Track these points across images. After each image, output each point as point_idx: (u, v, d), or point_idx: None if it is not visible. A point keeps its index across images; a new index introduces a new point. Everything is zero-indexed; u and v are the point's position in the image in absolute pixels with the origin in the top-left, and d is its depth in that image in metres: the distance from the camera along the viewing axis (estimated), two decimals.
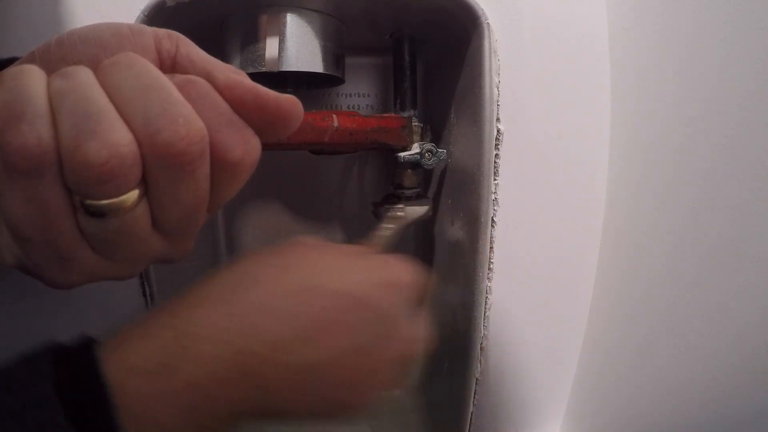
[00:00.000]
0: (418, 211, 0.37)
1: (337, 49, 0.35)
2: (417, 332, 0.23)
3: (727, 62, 0.25)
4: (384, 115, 0.37)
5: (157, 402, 0.17)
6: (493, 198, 0.34)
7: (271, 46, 0.32)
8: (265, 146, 0.18)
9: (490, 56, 0.32)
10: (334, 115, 0.33)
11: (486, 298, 0.35)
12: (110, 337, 0.17)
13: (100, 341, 0.17)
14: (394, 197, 0.39)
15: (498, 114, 0.33)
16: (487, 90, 0.32)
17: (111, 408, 0.15)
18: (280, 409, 0.19)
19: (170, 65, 0.17)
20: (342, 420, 0.21)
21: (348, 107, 0.45)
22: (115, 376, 0.16)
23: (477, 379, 0.37)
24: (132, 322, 0.18)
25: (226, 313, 0.18)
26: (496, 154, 0.34)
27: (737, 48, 0.24)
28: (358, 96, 0.44)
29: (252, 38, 0.33)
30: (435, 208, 0.43)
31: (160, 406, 0.17)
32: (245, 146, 0.17)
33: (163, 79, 0.15)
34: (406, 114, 0.38)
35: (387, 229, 0.36)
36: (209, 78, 0.17)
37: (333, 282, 0.20)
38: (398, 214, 0.37)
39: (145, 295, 0.33)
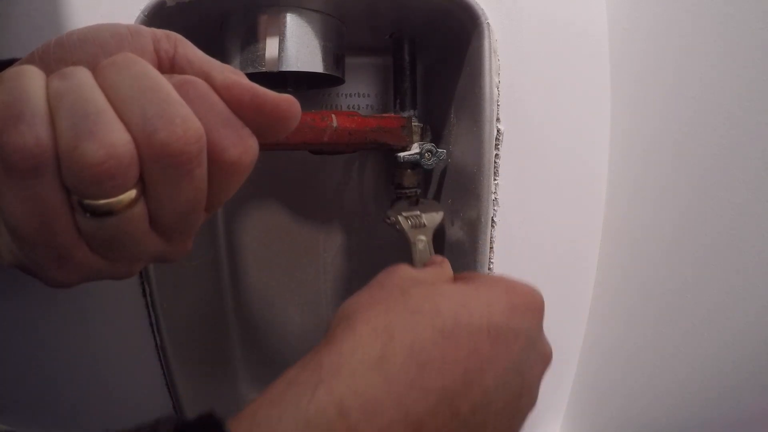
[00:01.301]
0: (436, 218, 0.37)
1: (337, 49, 0.35)
2: (550, 349, 0.23)
3: (727, 62, 0.25)
4: (384, 115, 0.37)
5: None
6: (493, 198, 0.34)
7: (271, 46, 0.32)
8: (264, 146, 0.18)
9: (490, 56, 0.32)
10: (333, 115, 0.33)
11: None
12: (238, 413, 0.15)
13: (227, 419, 0.15)
14: (401, 200, 0.39)
15: (498, 114, 0.33)
16: (487, 90, 0.32)
17: None
18: None
19: (168, 66, 0.17)
20: None
21: (348, 107, 0.45)
22: None
23: None
24: (262, 393, 0.16)
25: (383, 378, 0.16)
26: (496, 154, 0.34)
27: (736, 48, 0.24)
28: (358, 96, 0.44)
29: (252, 38, 0.33)
30: None
31: None
32: (243, 146, 0.17)
33: (161, 80, 0.15)
34: (406, 114, 0.38)
35: (422, 241, 0.35)
36: (207, 78, 0.17)
37: (476, 318, 0.19)
38: (423, 222, 0.36)
39: (144, 295, 0.33)
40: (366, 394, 0.16)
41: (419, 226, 0.36)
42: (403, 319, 0.18)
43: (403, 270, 0.23)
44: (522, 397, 0.20)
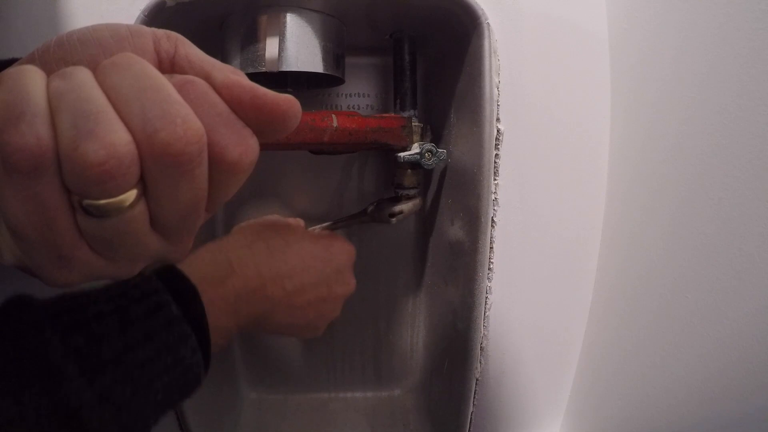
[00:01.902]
0: (409, 206, 0.40)
1: (337, 49, 0.35)
2: (353, 283, 0.36)
3: (726, 61, 0.25)
4: (384, 115, 0.37)
5: (214, 302, 0.26)
6: (493, 198, 0.34)
7: (271, 46, 0.32)
8: (265, 146, 0.18)
9: (490, 56, 0.32)
10: (333, 115, 0.33)
11: (486, 298, 0.35)
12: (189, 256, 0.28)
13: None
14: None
15: (498, 114, 0.33)
16: (487, 90, 0.32)
17: (200, 302, 0.25)
18: (276, 322, 0.31)
19: (169, 66, 0.17)
20: (309, 335, 0.35)
21: (348, 107, 0.45)
22: (194, 281, 0.25)
23: (477, 379, 0.37)
24: (198, 248, 0.30)
25: (256, 253, 0.31)
26: (496, 154, 0.34)
27: (734, 47, 0.24)
28: (358, 96, 0.44)
29: (252, 38, 0.33)
30: (435, 208, 0.44)
31: (216, 306, 0.26)
32: (243, 146, 0.17)
33: (162, 80, 0.15)
34: (406, 114, 0.38)
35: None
36: (208, 78, 0.17)
37: (309, 243, 0.34)
38: (397, 208, 0.40)
39: None
40: (241, 258, 0.30)
41: (395, 214, 0.39)
42: (268, 231, 0.34)
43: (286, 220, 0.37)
44: (326, 303, 0.34)
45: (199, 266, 0.28)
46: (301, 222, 0.38)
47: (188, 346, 0.23)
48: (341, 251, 0.35)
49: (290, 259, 0.32)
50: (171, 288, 0.24)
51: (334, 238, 0.36)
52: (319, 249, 0.34)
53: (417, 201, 0.40)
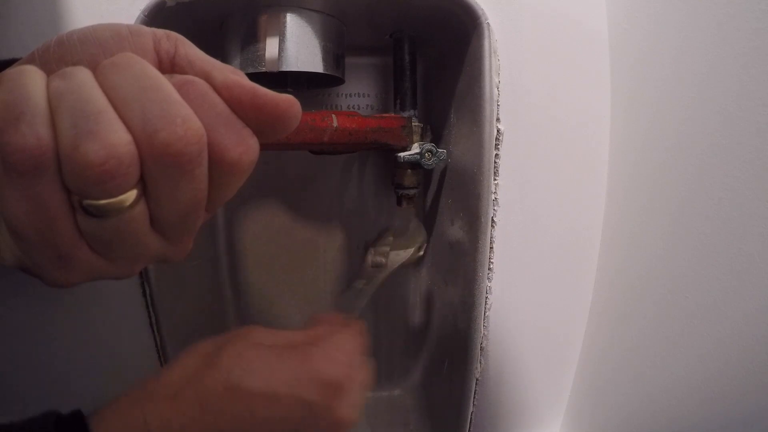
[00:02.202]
0: (401, 257, 0.36)
1: (337, 49, 0.35)
2: (348, 413, 0.25)
3: (726, 60, 0.25)
4: (384, 115, 0.37)
5: None
6: (493, 198, 0.34)
7: (271, 46, 0.32)
8: (265, 146, 0.18)
9: (490, 56, 0.32)
10: (333, 115, 0.33)
11: (486, 298, 0.35)
12: (99, 410, 0.21)
13: (91, 414, 0.20)
14: (406, 209, 0.38)
15: (498, 114, 0.33)
16: (487, 90, 0.32)
17: None
18: None
19: (169, 66, 0.17)
20: None
21: (348, 107, 0.45)
22: None
23: (477, 379, 0.37)
24: (117, 397, 0.22)
25: (179, 408, 0.21)
26: (496, 154, 0.34)
27: (734, 45, 0.24)
28: (358, 96, 0.44)
29: (252, 38, 0.33)
30: (435, 208, 0.44)
31: None
32: (243, 146, 0.17)
33: (162, 80, 0.15)
34: (406, 114, 0.38)
35: (354, 288, 0.34)
36: (208, 78, 0.17)
37: (258, 382, 0.22)
38: (383, 261, 0.35)
39: (144, 295, 0.33)
40: (162, 414, 0.21)
41: (378, 265, 0.35)
42: (204, 371, 0.23)
43: (247, 332, 0.26)
44: None
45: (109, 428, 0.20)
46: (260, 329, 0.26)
47: None
48: (332, 359, 0.24)
49: (237, 408, 0.22)
50: None
51: (316, 340, 0.25)
52: (287, 371, 0.23)
53: (411, 251, 0.36)
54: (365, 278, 0.34)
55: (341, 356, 0.25)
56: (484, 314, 0.36)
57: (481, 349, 0.36)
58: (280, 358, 0.24)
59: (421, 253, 0.36)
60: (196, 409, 0.21)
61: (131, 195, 0.15)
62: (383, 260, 0.34)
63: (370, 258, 0.34)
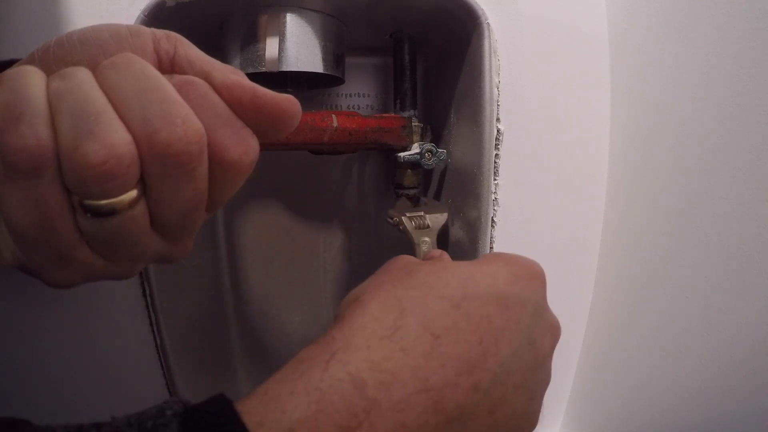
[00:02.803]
0: (440, 219, 0.36)
1: (337, 49, 0.35)
2: (557, 321, 0.22)
3: (725, 61, 0.25)
4: (384, 115, 0.37)
5: None
6: (493, 198, 0.34)
7: (271, 46, 0.32)
8: (265, 146, 0.18)
9: (490, 56, 0.32)
10: (333, 116, 0.33)
11: None
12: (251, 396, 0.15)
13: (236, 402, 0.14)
14: (403, 199, 0.38)
15: (498, 114, 0.33)
16: (487, 90, 0.32)
17: None
18: None
19: (169, 66, 0.17)
20: None
21: (348, 107, 0.45)
22: None
23: None
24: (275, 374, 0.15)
25: (398, 349, 0.16)
26: (496, 154, 0.34)
27: (734, 47, 0.24)
28: (358, 96, 0.44)
29: (252, 38, 0.33)
30: None
31: None
32: (243, 146, 0.17)
33: (162, 80, 0.15)
34: (406, 114, 0.38)
35: (426, 242, 0.34)
36: (207, 78, 0.17)
37: (483, 288, 0.19)
38: (427, 223, 0.35)
39: (144, 295, 0.33)
40: (382, 365, 0.15)
41: (423, 227, 0.36)
42: (411, 293, 0.18)
43: (407, 257, 0.23)
44: (536, 371, 0.19)
45: (287, 404, 0.14)
46: (445, 254, 0.24)
47: None
48: (533, 275, 0.21)
49: (471, 332, 0.17)
50: None
51: (513, 258, 0.22)
52: (503, 289, 0.20)
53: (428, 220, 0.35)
54: (421, 238, 0.34)
55: (528, 260, 0.22)
56: None
57: None
58: (480, 264, 0.21)
59: (447, 222, 0.36)
60: (430, 341, 0.17)
61: (131, 195, 0.15)
62: (427, 222, 0.34)
63: (412, 222, 0.34)
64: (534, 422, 0.20)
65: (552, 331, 0.21)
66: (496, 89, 0.33)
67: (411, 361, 0.16)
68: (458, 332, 0.17)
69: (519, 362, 0.18)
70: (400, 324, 0.17)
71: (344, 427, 0.14)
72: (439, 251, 0.27)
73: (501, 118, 0.33)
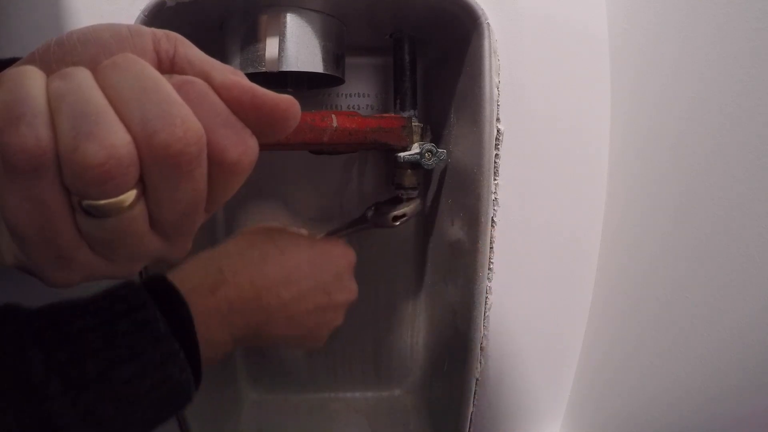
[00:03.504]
0: (413, 207, 0.39)
1: (337, 49, 0.35)
2: (355, 289, 0.34)
3: (725, 61, 0.25)
4: (384, 115, 0.37)
5: (206, 314, 0.25)
6: (493, 198, 0.34)
7: (271, 46, 0.32)
8: (264, 146, 0.18)
9: (490, 56, 0.32)
10: (333, 115, 0.33)
11: (486, 298, 0.35)
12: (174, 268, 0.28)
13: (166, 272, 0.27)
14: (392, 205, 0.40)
15: (498, 114, 0.33)
16: (487, 90, 0.32)
17: (190, 315, 0.24)
18: (274, 333, 0.30)
19: (168, 66, 0.17)
20: (310, 347, 0.33)
21: (348, 107, 0.45)
22: (184, 292, 0.25)
23: (477, 379, 0.37)
24: (190, 257, 0.29)
25: (248, 261, 0.30)
26: (496, 154, 0.34)
27: (734, 47, 0.24)
28: (358, 96, 0.44)
29: (252, 38, 0.33)
30: (435, 208, 0.44)
31: (208, 317, 0.26)
32: (243, 146, 0.17)
33: (161, 80, 0.15)
34: (406, 114, 0.38)
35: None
36: (207, 79, 0.17)
37: (306, 249, 0.32)
38: (401, 212, 0.39)
39: None
40: (232, 266, 0.29)
41: (400, 217, 0.39)
42: (261, 238, 0.32)
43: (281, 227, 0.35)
44: (327, 311, 0.32)
45: (190, 276, 0.27)
46: (303, 231, 0.36)
47: (176, 363, 0.22)
48: (340, 256, 0.34)
49: (286, 266, 0.30)
50: (160, 300, 0.23)
51: (332, 243, 0.35)
52: (316, 254, 0.32)
53: (417, 202, 0.40)
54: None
55: (348, 252, 0.35)
56: (484, 314, 0.36)
57: (481, 349, 0.36)
58: (316, 239, 0.34)
59: (421, 206, 0.41)
60: (259, 261, 0.30)
61: (131, 195, 0.15)
62: (405, 211, 0.39)
63: (392, 214, 0.38)
64: (317, 342, 0.33)
65: (348, 292, 0.33)
66: (496, 89, 0.33)
67: (248, 269, 0.29)
68: (276, 265, 0.30)
69: (313, 298, 0.31)
70: (248, 251, 0.30)
71: (210, 286, 0.27)
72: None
73: (501, 118, 0.33)
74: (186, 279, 0.26)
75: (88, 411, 0.19)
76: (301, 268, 0.31)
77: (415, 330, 0.51)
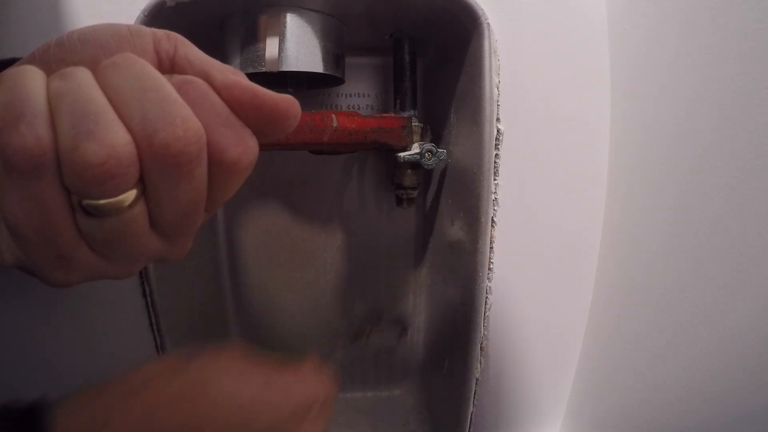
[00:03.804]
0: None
1: (337, 49, 0.35)
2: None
3: (725, 58, 0.25)
4: (384, 115, 0.37)
5: None
6: (493, 198, 0.34)
7: (271, 46, 0.32)
8: (264, 146, 0.18)
9: (490, 56, 0.32)
10: (333, 116, 0.33)
11: (486, 298, 0.35)
12: (63, 403, 0.22)
13: (51, 407, 0.21)
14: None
15: (498, 114, 0.33)
16: (487, 90, 0.32)
17: None
18: None
19: (169, 66, 0.17)
20: None
21: (348, 107, 0.45)
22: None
23: (477, 379, 0.37)
24: (78, 393, 0.23)
25: (129, 409, 0.23)
26: (496, 154, 0.34)
27: (733, 42, 0.24)
28: (358, 96, 0.44)
29: (252, 38, 0.33)
30: (435, 208, 0.44)
31: None
32: (243, 146, 0.17)
33: (161, 80, 0.15)
34: (406, 114, 0.38)
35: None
36: (207, 78, 0.17)
37: (222, 389, 0.24)
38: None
39: (144, 295, 0.33)
40: (117, 414, 0.22)
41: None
42: (156, 380, 0.24)
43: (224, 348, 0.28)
44: None
45: (78, 419, 0.22)
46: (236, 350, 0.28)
47: None
48: (294, 393, 0.26)
49: (181, 413, 0.23)
50: None
51: (282, 373, 0.27)
52: (257, 384, 0.25)
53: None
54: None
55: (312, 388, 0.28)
56: (484, 314, 0.36)
57: (481, 349, 0.36)
58: (252, 370, 0.26)
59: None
60: (154, 412, 0.23)
61: (130, 195, 0.15)
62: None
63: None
64: None
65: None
66: (496, 89, 0.33)
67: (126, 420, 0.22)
68: (172, 412, 0.23)
69: None
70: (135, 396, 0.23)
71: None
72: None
73: (501, 118, 0.33)
74: (72, 421, 0.21)
75: None
76: (204, 417, 0.23)
77: (415, 330, 0.51)
